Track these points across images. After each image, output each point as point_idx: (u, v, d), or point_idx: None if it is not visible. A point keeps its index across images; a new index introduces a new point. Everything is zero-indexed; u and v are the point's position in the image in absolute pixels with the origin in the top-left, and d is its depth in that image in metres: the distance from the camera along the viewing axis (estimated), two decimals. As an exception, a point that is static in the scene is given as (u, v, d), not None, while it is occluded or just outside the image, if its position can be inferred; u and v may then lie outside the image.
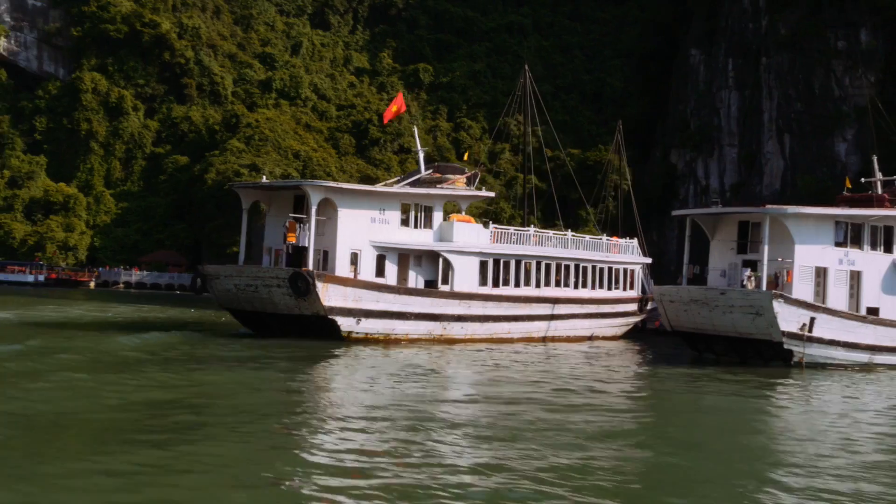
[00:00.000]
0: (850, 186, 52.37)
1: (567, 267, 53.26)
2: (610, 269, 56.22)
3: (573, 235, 54.96)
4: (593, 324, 54.56)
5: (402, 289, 44.40)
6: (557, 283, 52.72)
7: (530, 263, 50.94)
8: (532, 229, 52.54)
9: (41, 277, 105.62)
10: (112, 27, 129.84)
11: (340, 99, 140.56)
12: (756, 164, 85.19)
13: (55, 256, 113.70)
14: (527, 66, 67.51)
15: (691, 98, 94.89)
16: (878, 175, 49.32)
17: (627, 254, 57.77)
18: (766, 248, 41.74)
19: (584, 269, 54.52)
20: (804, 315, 40.80)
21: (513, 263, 49.85)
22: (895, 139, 70.43)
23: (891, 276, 44.97)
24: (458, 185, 49.46)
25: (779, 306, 40.11)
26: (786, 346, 40.78)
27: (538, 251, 51.25)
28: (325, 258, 44.04)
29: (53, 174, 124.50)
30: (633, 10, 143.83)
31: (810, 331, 40.79)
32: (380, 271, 44.92)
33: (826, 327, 41.38)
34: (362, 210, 44.65)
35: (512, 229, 51.28)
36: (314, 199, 42.82)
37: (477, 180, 52.68)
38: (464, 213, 52.55)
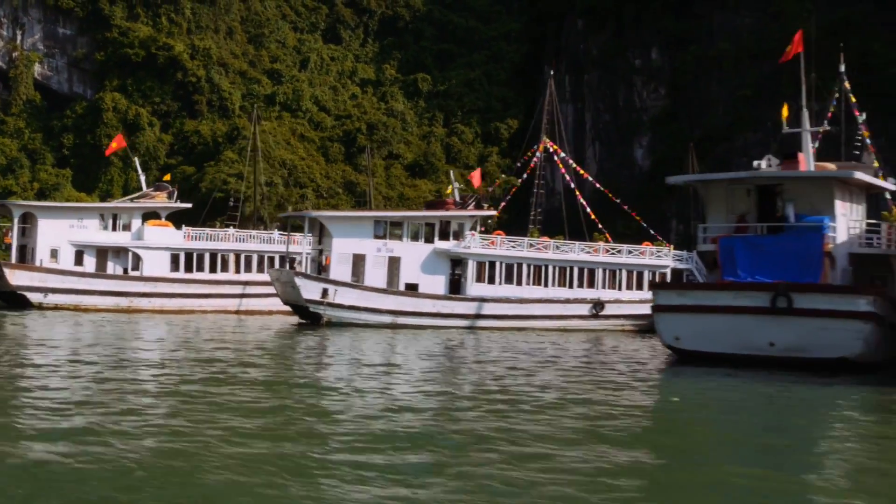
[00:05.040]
0: (448, 193, 73.19)
1: (272, 258, 76.21)
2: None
3: (280, 234, 77.86)
4: (294, 302, 77.12)
5: (81, 273, 68.83)
6: (260, 270, 75.68)
7: (227, 255, 74.30)
8: (232, 230, 76.02)
9: None
10: (131, 51, 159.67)
11: (339, 110, 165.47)
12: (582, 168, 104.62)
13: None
14: (257, 109, 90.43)
15: (543, 109, 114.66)
16: (455, 185, 70.37)
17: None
18: (306, 240, 64.12)
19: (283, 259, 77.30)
20: (327, 287, 62.62)
21: (207, 256, 73.33)
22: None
23: (430, 261, 65.80)
24: (157, 199, 73.57)
25: (300, 281, 62.11)
26: (311, 310, 62.69)
27: (235, 246, 74.50)
28: (33, 253, 69.12)
29: (78, 186, 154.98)
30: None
31: (333, 299, 62.58)
32: (78, 262, 69.54)
33: (347, 296, 62.91)
34: (60, 220, 69.42)
35: (208, 230, 75.05)
36: (15, 214, 68.36)
37: (175, 195, 76.45)
38: (164, 219, 75.89)
